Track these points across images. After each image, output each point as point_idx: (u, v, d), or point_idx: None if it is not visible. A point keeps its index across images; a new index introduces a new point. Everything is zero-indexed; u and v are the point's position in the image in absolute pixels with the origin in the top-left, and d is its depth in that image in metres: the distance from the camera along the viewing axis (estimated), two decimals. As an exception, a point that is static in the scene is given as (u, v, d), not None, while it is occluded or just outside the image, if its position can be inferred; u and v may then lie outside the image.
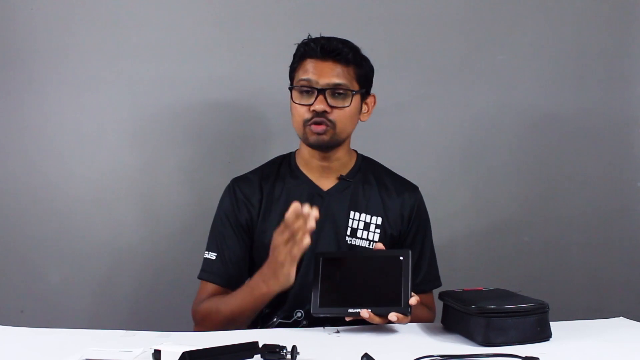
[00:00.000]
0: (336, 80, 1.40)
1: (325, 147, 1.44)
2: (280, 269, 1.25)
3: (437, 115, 2.01)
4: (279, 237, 1.24)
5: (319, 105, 1.39)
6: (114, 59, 1.88)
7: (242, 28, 1.92)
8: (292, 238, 1.22)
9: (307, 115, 1.41)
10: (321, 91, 1.40)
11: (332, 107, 1.40)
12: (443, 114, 2.01)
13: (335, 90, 1.41)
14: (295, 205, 1.21)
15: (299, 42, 1.46)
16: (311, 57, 1.42)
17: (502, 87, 2.03)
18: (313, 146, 1.45)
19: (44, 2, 1.86)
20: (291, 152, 1.57)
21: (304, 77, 1.42)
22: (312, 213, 1.20)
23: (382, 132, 1.92)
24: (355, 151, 1.57)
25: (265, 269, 1.31)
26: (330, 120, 1.41)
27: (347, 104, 1.41)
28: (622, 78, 2.09)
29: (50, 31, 1.86)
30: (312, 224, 1.20)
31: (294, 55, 1.47)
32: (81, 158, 1.88)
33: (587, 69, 2.07)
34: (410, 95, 1.99)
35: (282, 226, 1.24)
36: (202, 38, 1.91)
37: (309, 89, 1.41)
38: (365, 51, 1.50)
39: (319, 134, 1.41)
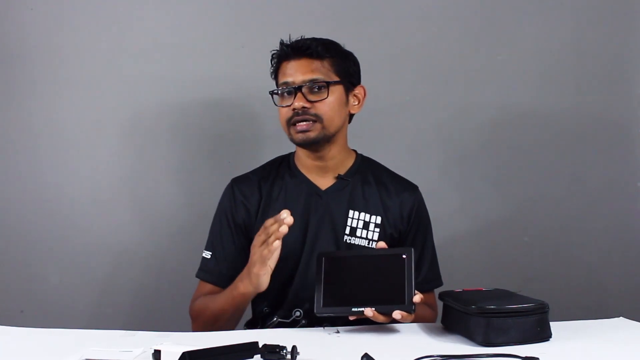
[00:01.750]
0: (311, 76, 1.41)
1: (313, 143, 1.43)
2: (252, 269, 1.28)
3: (437, 115, 2.01)
4: (256, 239, 1.29)
5: (298, 103, 1.40)
6: (113, 59, 1.88)
7: (242, 28, 1.92)
8: (266, 240, 1.25)
9: (289, 115, 1.42)
10: (298, 89, 1.41)
11: (311, 101, 1.41)
12: (442, 114, 2.01)
13: (313, 86, 1.41)
14: (284, 211, 1.24)
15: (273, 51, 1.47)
16: (286, 59, 1.44)
17: (502, 87, 2.03)
18: (301, 145, 1.45)
19: (43, 2, 1.86)
20: (291, 152, 1.57)
21: (282, 80, 1.44)
22: (287, 219, 1.22)
23: (381, 132, 1.92)
24: (355, 151, 1.57)
25: (244, 270, 1.33)
26: (314, 115, 1.41)
27: (324, 96, 1.41)
28: (622, 78, 2.09)
29: (49, 31, 1.86)
30: (284, 229, 1.22)
31: (271, 63, 1.48)
32: (80, 158, 1.88)
33: (587, 69, 2.07)
34: (410, 95, 1.99)
35: (262, 229, 1.28)
36: (201, 38, 1.91)
37: (288, 90, 1.42)
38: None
39: (303, 131, 1.41)
